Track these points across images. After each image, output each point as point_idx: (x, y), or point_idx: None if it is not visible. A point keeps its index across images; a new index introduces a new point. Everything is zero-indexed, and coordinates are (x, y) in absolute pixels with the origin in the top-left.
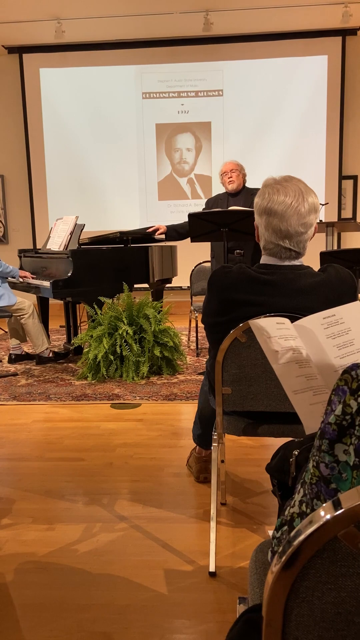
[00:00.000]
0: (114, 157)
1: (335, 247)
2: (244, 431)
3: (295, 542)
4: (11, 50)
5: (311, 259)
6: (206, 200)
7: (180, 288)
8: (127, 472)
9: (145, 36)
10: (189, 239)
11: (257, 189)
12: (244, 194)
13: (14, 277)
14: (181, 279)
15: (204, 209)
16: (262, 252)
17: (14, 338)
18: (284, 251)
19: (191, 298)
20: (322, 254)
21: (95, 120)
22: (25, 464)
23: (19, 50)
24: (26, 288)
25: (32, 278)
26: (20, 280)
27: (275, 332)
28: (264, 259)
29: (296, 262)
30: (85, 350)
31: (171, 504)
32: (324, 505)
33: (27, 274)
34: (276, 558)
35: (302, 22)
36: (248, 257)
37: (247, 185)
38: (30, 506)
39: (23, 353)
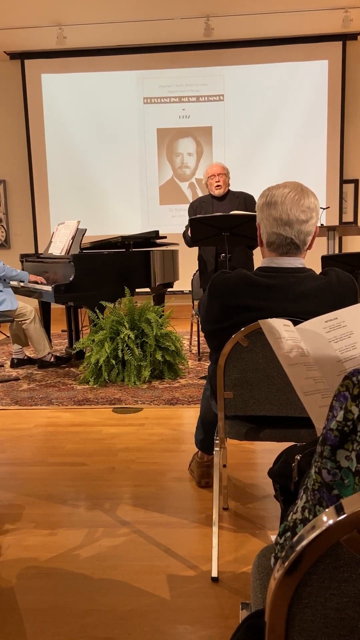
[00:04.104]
0: (115, 162)
1: (336, 251)
2: (246, 436)
3: (298, 548)
4: (13, 56)
5: (313, 263)
6: (190, 203)
7: (182, 292)
8: (129, 477)
9: (147, 42)
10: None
11: (240, 192)
12: (230, 197)
13: (22, 282)
14: (183, 283)
15: (190, 215)
16: (263, 255)
17: (16, 343)
18: (286, 242)
19: (192, 302)
20: (324, 258)
21: (97, 125)
22: (27, 468)
23: (21, 56)
24: (28, 292)
25: (42, 282)
26: (29, 284)
27: (284, 333)
28: (265, 262)
29: (297, 264)
30: (87, 354)
31: (173, 509)
32: (326, 510)
33: (38, 277)
34: (279, 563)
35: (302, 27)
36: (237, 260)
37: (231, 188)
38: (33, 511)
39: (25, 358)
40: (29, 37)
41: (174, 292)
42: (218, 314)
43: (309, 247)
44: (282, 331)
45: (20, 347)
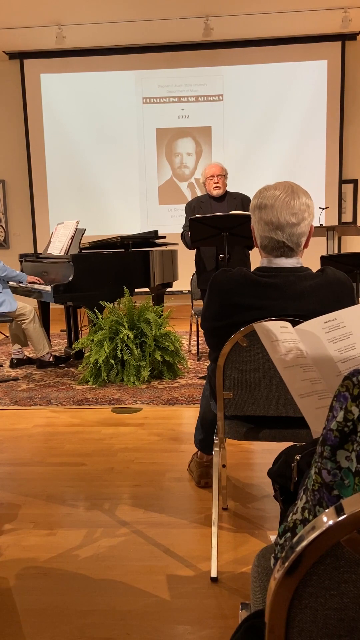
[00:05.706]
0: (114, 162)
1: (335, 251)
2: (246, 436)
3: (298, 548)
4: (12, 55)
5: (312, 263)
6: (187, 203)
7: (181, 292)
8: (128, 477)
9: (146, 41)
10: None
11: (237, 193)
12: (228, 198)
13: (21, 283)
14: (182, 283)
15: (187, 214)
16: (260, 256)
17: (16, 343)
18: (278, 246)
19: (192, 302)
20: (323, 258)
21: (96, 125)
22: (26, 469)
23: (20, 56)
24: (27, 292)
25: (40, 282)
26: (27, 285)
27: (280, 336)
28: (263, 262)
29: (295, 264)
30: (86, 354)
31: (172, 509)
32: (326, 511)
33: (36, 278)
34: (279, 564)
35: (301, 27)
36: (236, 260)
37: (229, 189)
38: (32, 511)
39: (25, 358)
40: (28, 37)
41: (173, 292)
42: (218, 312)
43: (305, 246)
44: (278, 334)
45: (20, 347)
